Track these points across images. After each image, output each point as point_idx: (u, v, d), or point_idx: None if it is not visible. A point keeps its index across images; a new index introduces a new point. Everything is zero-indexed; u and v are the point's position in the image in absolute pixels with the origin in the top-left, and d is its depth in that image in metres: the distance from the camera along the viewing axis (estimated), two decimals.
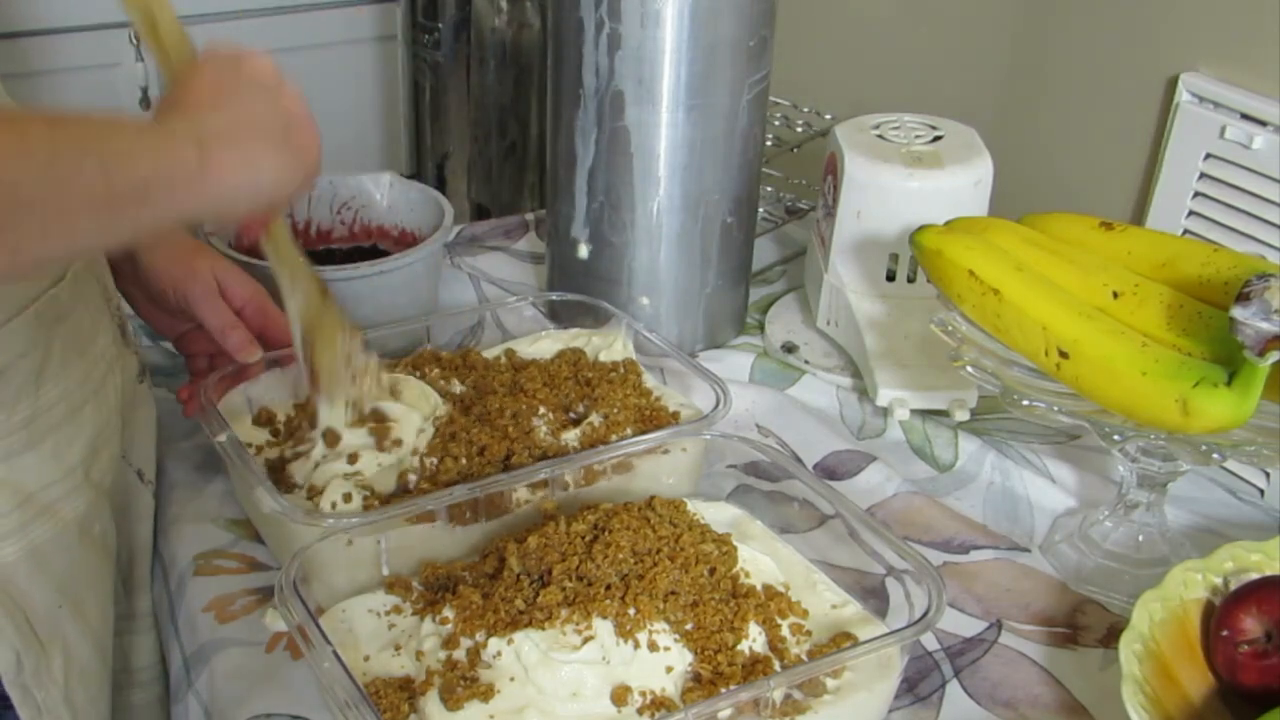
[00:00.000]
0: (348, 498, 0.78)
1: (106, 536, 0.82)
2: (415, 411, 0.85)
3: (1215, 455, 0.77)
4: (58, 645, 0.76)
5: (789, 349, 1.10)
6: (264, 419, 0.89)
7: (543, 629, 0.66)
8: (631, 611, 0.67)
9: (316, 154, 0.69)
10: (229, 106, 0.65)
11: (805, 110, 1.33)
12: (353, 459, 0.81)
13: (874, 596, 0.75)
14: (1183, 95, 1.05)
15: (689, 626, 0.68)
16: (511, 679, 0.65)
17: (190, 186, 0.60)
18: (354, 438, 0.82)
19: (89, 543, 0.79)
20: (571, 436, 0.85)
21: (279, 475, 0.82)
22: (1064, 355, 0.77)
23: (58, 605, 0.76)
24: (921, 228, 0.88)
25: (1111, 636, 0.81)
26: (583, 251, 1.06)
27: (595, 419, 0.86)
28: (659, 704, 0.65)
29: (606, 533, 0.72)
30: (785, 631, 0.71)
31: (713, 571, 0.72)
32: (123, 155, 0.57)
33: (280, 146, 0.66)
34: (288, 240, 0.80)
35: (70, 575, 0.77)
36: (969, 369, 0.85)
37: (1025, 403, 0.82)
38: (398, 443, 0.82)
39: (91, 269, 0.82)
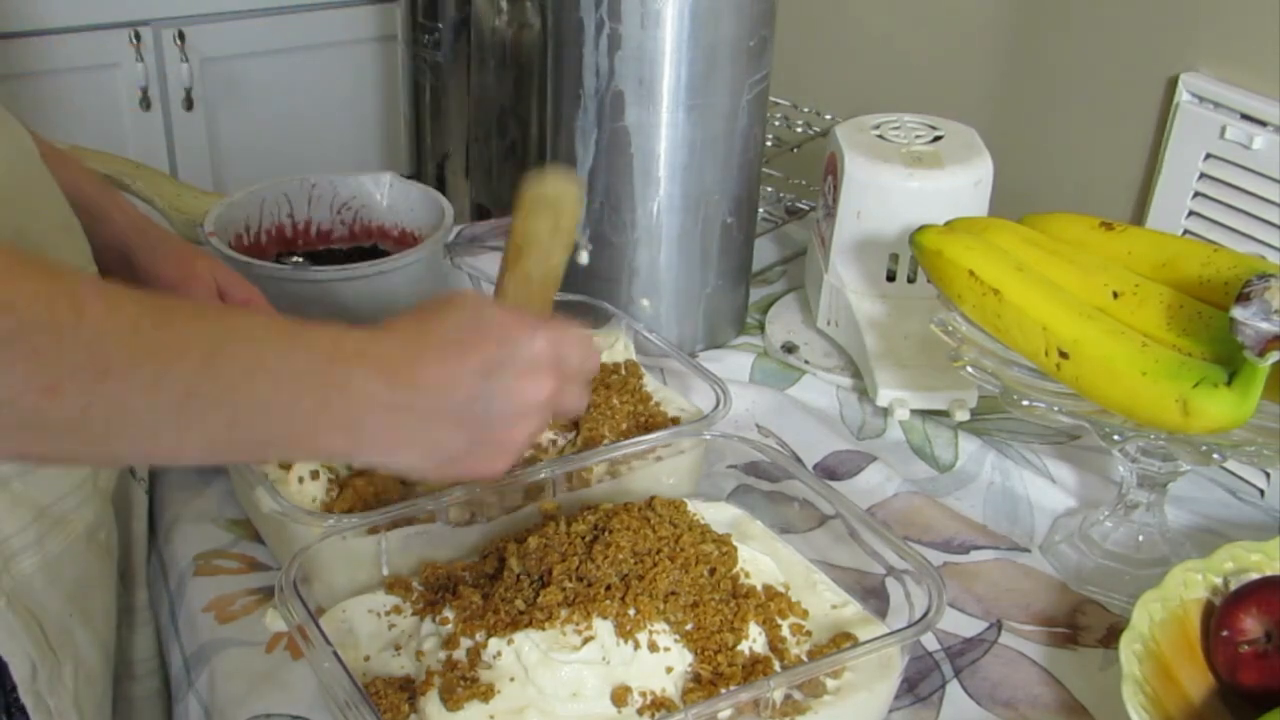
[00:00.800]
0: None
1: (111, 541, 0.83)
2: None
3: (1215, 455, 0.77)
4: (68, 652, 0.76)
5: (789, 349, 1.10)
6: None
7: (543, 629, 0.66)
8: (632, 612, 0.67)
9: (490, 474, 0.62)
10: (433, 402, 0.57)
11: (805, 110, 1.34)
12: None
13: (874, 597, 0.75)
14: (1183, 95, 1.05)
15: (689, 627, 0.68)
16: (512, 679, 0.65)
17: (318, 453, 0.58)
18: None
19: (96, 550, 0.80)
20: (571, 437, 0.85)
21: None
22: (1064, 355, 0.77)
23: (68, 614, 0.77)
24: (921, 228, 0.88)
25: (1111, 636, 0.81)
26: (583, 258, 1.06)
27: (593, 424, 0.85)
28: (659, 704, 0.65)
29: (606, 533, 0.72)
30: (785, 632, 0.71)
31: (713, 572, 0.72)
32: (258, 410, 0.52)
33: (444, 463, 0.60)
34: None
35: (80, 583, 0.78)
36: (969, 369, 0.85)
37: (1025, 403, 0.82)
38: None
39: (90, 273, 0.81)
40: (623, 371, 0.92)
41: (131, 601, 0.88)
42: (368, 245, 1.11)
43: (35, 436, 0.49)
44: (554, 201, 0.67)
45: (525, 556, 0.71)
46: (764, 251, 1.25)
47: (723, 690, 0.64)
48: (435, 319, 0.59)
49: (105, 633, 0.81)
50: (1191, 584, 0.75)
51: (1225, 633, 0.71)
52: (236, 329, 0.53)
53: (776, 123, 1.32)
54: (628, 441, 0.83)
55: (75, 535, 0.77)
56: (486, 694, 0.64)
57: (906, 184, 1.00)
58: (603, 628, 0.66)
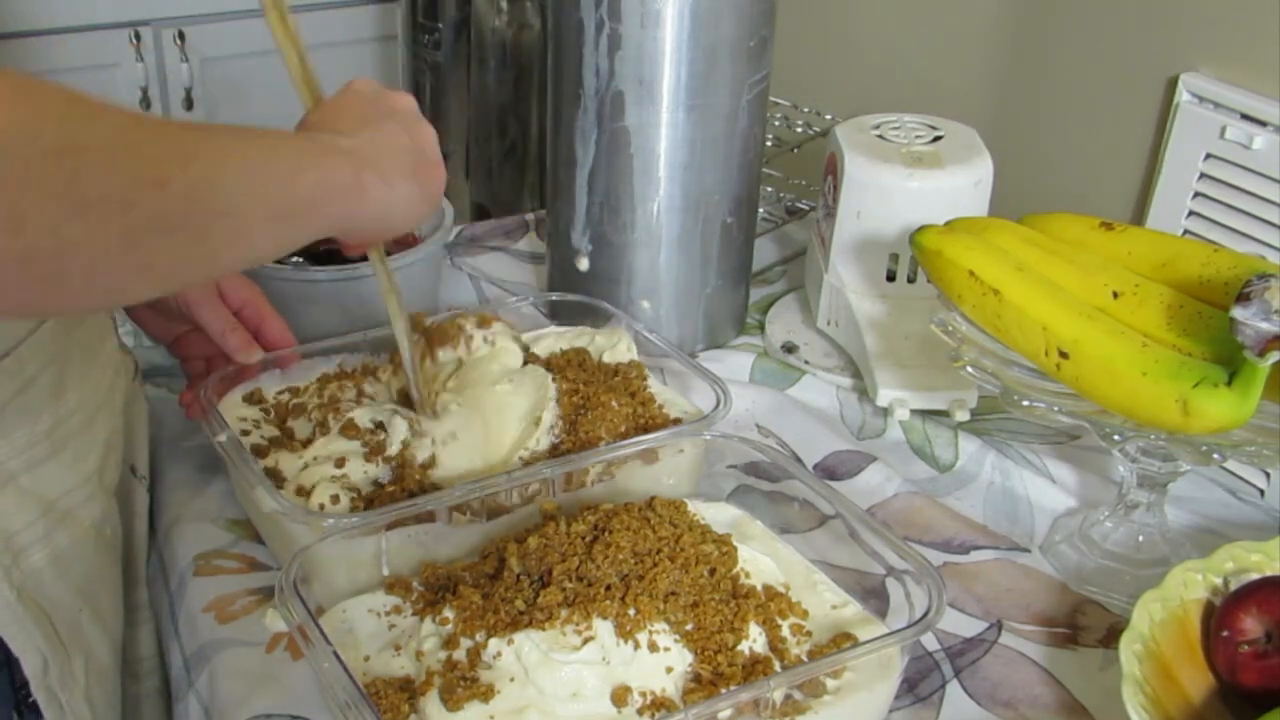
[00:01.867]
0: (335, 499, 0.78)
1: (116, 537, 0.83)
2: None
3: (1215, 455, 0.77)
4: (79, 647, 0.77)
5: (789, 349, 1.10)
6: (256, 398, 0.90)
7: (543, 629, 0.66)
8: (632, 612, 0.67)
9: (439, 189, 0.72)
10: (369, 130, 0.68)
11: (805, 110, 1.34)
12: (340, 463, 0.81)
13: (874, 597, 0.75)
14: (1183, 95, 1.05)
15: (689, 627, 0.68)
16: (512, 679, 0.65)
17: (348, 199, 0.63)
18: (342, 444, 0.82)
19: (103, 545, 0.80)
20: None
21: (266, 461, 0.83)
22: (1064, 355, 0.77)
23: (78, 608, 0.77)
24: (921, 228, 0.88)
25: (1112, 637, 0.81)
26: (583, 264, 1.06)
27: (590, 427, 0.86)
28: (659, 704, 0.65)
29: (607, 533, 0.72)
30: (785, 632, 0.71)
31: (713, 572, 0.72)
32: (294, 167, 0.60)
33: (410, 176, 0.69)
34: (386, 264, 0.82)
35: (88, 578, 0.78)
36: (969, 369, 0.85)
37: (1025, 403, 0.82)
38: (388, 459, 0.82)
39: None
40: (626, 373, 0.91)
41: (133, 600, 0.88)
42: None
43: (154, 240, 0.51)
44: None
45: (525, 556, 0.71)
46: (764, 251, 1.25)
47: (723, 690, 0.64)
48: (309, 116, 0.72)
49: (114, 628, 0.82)
50: (1191, 584, 0.75)
51: (1225, 633, 0.71)
52: (232, 127, 0.59)
53: (776, 123, 1.32)
54: (628, 441, 0.83)
55: (83, 530, 0.77)
56: (486, 694, 0.64)
57: (906, 184, 1.00)
58: (603, 628, 0.66)
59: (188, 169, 0.52)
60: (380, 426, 0.83)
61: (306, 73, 0.75)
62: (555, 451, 0.84)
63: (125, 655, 0.88)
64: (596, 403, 0.86)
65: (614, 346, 0.95)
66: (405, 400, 0.87)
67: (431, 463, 0.81)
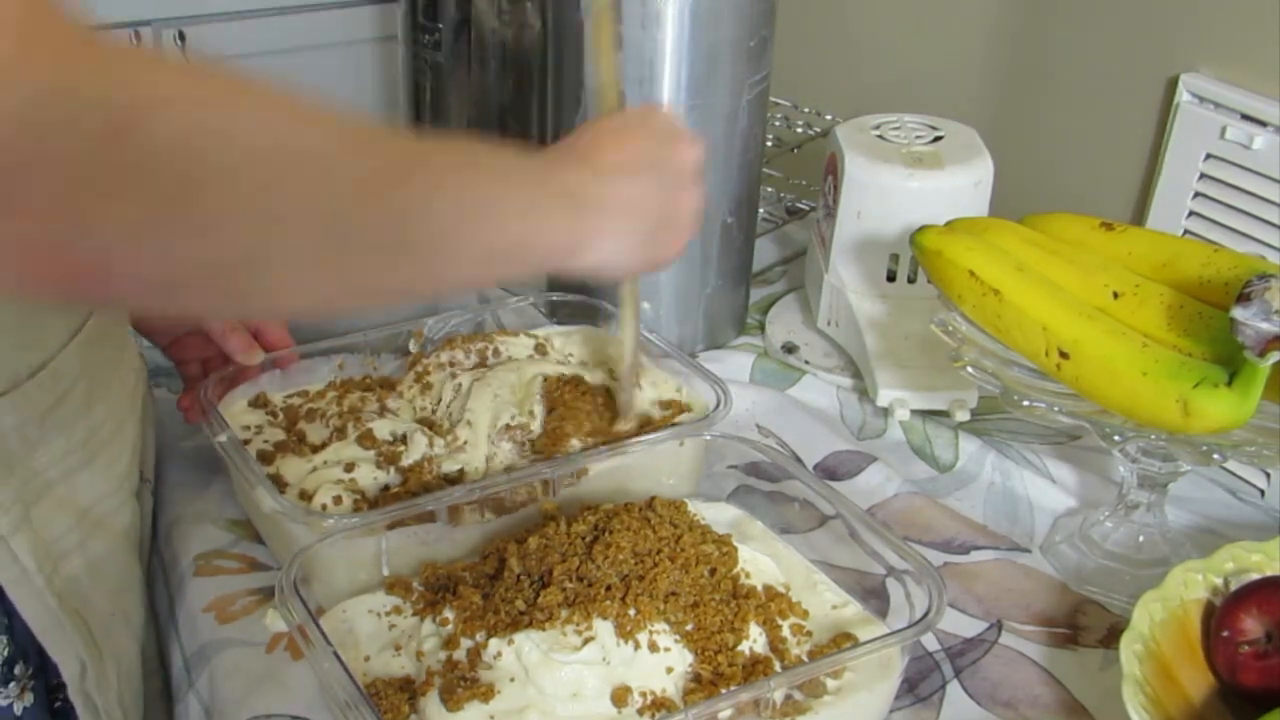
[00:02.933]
0: (338, 500, 0.78)
1: (143, 541, 0.84)
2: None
3: (1216, 456, 0.77)
4: (111, 650, 0.77)
5: (789, 349, 1.10)
6: (261, 402, 0.90)
7: (543, 630, 0.66)
8: (632, 612, 0.67)
9: (671, 260, 0.69)
10: (625, 180, 0.64)
11: (805, 111, 1.34)
12: (349, 468, 0.81)
13: (874, 597, 0.75)
14: (1183, 96, 1.05)
15: (689, 627, 0.68)
16: (512, 680, 0.65)
17: (561, 258, 0.61)
18: (355, 450, 0.83)
19: (132, 550, 0.81)
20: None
21: (270, 467, 0.83)
22: (1064, 355, 0.77)
23: (110, 613, 0.78)
24: (922, 228, 0.88)
25: (1112, 637, 0.81)
26: None
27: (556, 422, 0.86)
28: (659, 705, 0.65)
29: (607, 533, 0.72)
30: (786, 632, 0.71)
31: (713, 572, 0.72)
32: (510, 214, 0.56)
33: (643, 240, 0.65)
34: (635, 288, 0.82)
35: (120, 582, 0.79)
36: (969, 369, 0.85)
37: (1025, 403, 0.82)
38: (400, 468, 0.82)
39: None
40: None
41: None
42: None
43: (351, 259, 0.49)
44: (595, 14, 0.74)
45: (525, 557, 0.71)
46: (764, 252, 1.25)
47: (723, 690, 0.64)
48: (583, 130, 0.66)
49: (141, 631, 0.83)
50: (1192, 584, 0.75)
51: (1225, 633, 0.71)
52: (457, 145, 0.56)
53: (776, 123, 1.32)
54: (628, 441, 0.83)
55: (115, 535, 0.78)
56: (487, 694, 0.64)
57: (907, 184, 1.00)
58: (603, 628, 0.66)
59: (397, 193, 0.49)
60: (400, 439, 0.83)
61: (613, 77, 0.72)
62: (533, 444, 0.84)
63: None
64: (567, 400, 0.86)
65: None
66: (426, 421, 0.87)
67: (460, 477, 0.81)
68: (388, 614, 0.73)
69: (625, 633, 0.66)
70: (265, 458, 0.83)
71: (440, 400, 0.87)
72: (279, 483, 0.81)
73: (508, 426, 0.83)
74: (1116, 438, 0.82)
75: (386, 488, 0.80)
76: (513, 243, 0.57)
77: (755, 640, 0.69)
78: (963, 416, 0.99)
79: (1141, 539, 0.86)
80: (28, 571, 0.70)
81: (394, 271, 0.52)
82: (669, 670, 0.66)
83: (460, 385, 0.88)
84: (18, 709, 0.72)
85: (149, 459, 0.90)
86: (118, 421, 0.79)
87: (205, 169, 0.42)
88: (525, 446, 0.84)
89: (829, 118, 1.30)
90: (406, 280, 0.53)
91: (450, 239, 0.53)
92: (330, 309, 0.55)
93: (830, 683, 0.68)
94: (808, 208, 1.32)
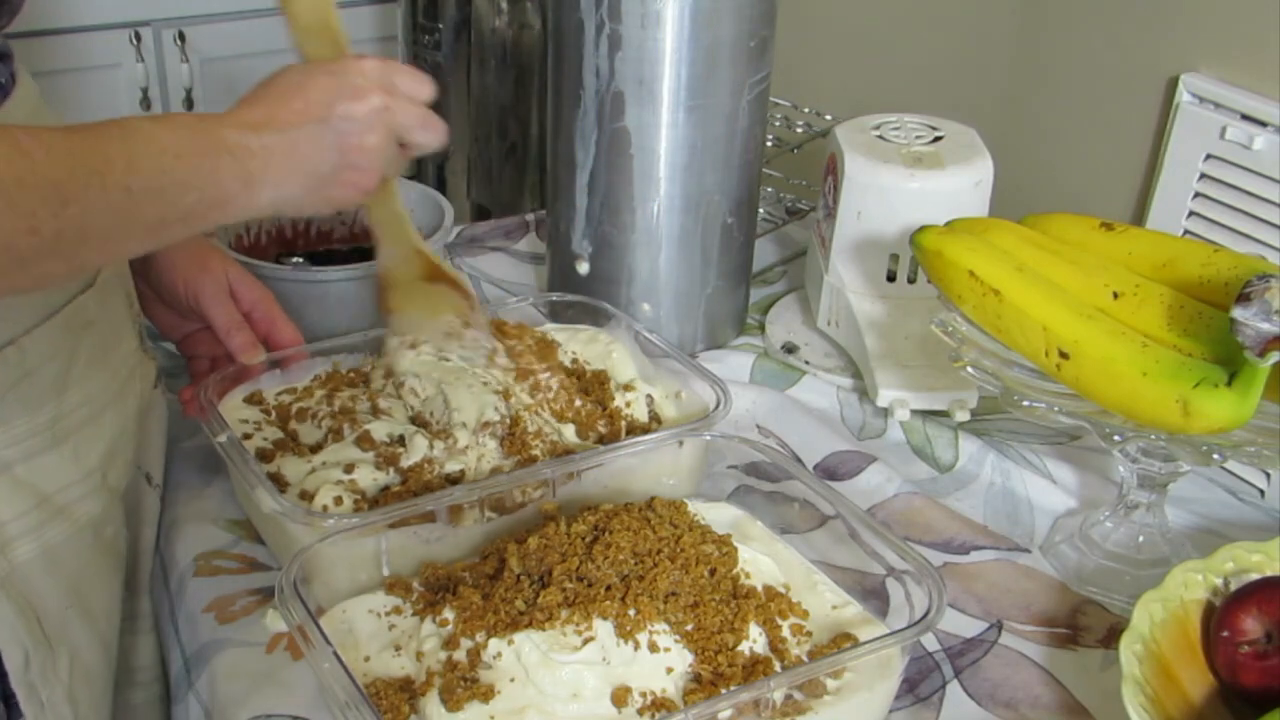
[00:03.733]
0: (339, 501, 0.78)
1: (118, 540, 0.83)
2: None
3: (1216, 456, 0.77)
4: (64, 645, 0.76)
5: (789, 349, 1.10)
6: (256, 399, 0.90)
7: (543, 630, 0.66)
8: (632, 612, 0.67)
9: (353, 200, 0.74)
10: (292, 133, 0.69)
11: (805, 111, 1.34)
12: (349, 469, 0.81)
13: (874, 597, 0.75)
14: (1183, 96, 1.05)
15: (689, 627, 0.68)
16: (512, 680, 0.65)
17: (232, 206, 0.66)
18: (354, 452, 0.82)
19: (101, 545, 0.80)
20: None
21: (270, 466, 0.83)
22: (1064, 356, 0.77)
23: (67, 606, 0.77)
24: (922, 228, 0.88)
25: (1112, 637, 0.81)
26: (583, 268, 1.06)
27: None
28: (659, 705, 0.65)
29: (607, 534, 0.72)
30: (786, 632, 0.71)
31: (713, 572, 0.72)
32: (178, 186, 0.63)
33: (316, 185, 0.71)
34: (391, 210, 0.86)
35: (81, 577, 0.78)
36: (969, 370, 0.85)
37: (1026, 403, 0.82)
38: (400, 469, 0.82)
39: (119, 278, 0.83)
40: (599, 377, 0.92)
41: (136, 608, 0.88)
42: (368, 245, 1.10)
43: (22, 272, 0.58)
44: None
45: (525, 557, 0.71)
46: (764, 252, 1.25)
47: (723, 690, 0.64)
48: (274, 80, 0.72)
49: (107, 632, 0.81)
50: (1192, 584, 0.75)
51: (1226, 633, 0.71)
52: (135, 129, 0.62)
53: (777, 123, 1.32)
54: (628, 441, 0.83)
55: (79, 528, 0.77)
56: (487, 694, 0.64)
57: (907, 184, 1.00)
58: (603, 628, 0.66)
59: (61, 213, 0.57)
60: (398, 441, 0.83)
61: (324, 18, 0.78)
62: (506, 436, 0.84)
63: (126, 663, 0.88)
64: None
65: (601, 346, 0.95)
66: (420, 420, 0.87)
67: (461, 477, 0.81)
68: (388, 614, 0.73)
69: (625, 633, 0.66)
70: (265, 455, 0.83)
71: (418, 395, 0.87)
72: (279, 482, 0.81)
73: (487, 423, 0.83)
74: (1116, 438, 0.82)
75: (386, 488, 0.80)
76: (185, 210, 0.64)
77: (755, 640, 0.69)
78: (963, 417, 0.99)
79: (1141, 539, 0.86)
80: None
81: (79, 264, 0.62)
82: (669, 670, 0.66)
83: (435, 381, 0.87)
84: None
85: (156, 461, 0.90)
86: (94, 411, 0.78)
87: None
88: (502, 440, 0.84)
89: (829, 118, 1.30)
90: (90, 266, 0.66)
91: (125, 222, 0.61)
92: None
93: (830, 683, 0.68)
94: (808, 208, 1.32)
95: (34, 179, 0.56)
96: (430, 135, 0.75)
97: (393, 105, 0.73)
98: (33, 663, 0.73)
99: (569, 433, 0.86)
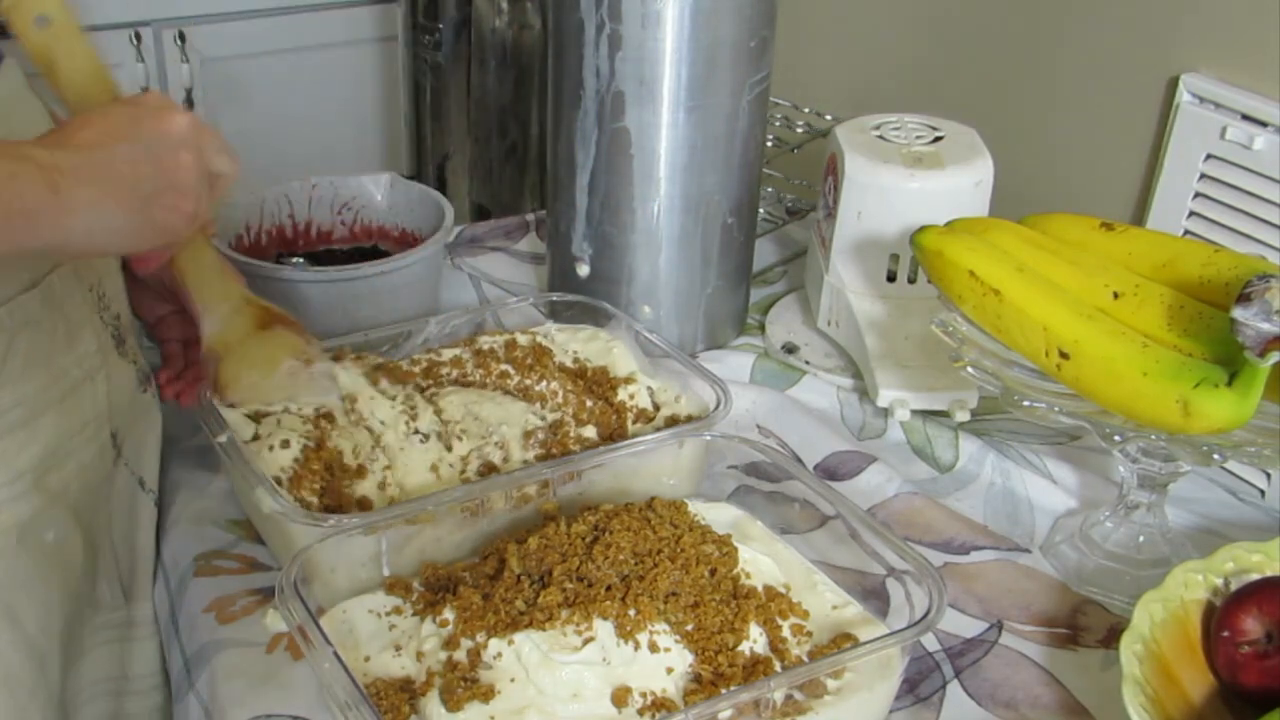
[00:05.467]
0: (285, 444, 0.78)
1: (63, 546, 0.80)
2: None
3: (1216, 456, 0.77)
4: None
5: (789, 350, 1.10)
6: None
7: (543, 630, 0.66)
8: (632, 612, 0.67)
9: (181, 225, 0.71)
10: (102, 151, 0.66)
11: (805, 111, 1.34)
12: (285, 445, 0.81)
13: (875, 597, 0.75)
14: (1183, 96, 1.05)
15: (690, 627, 0.68)
16: (512, 680, 0.65)
17: (42, 219, 0.63)
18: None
19: (32, 550, 0.77)
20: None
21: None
22: (1065, 356, 0.77)
23: None
24: (922, 228, 0.88)
25: (1112, 637, 0.81)
26: (583, 270, 1.06)
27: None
28: (660, 705, 0.65)
29: (607, 534, 0.72)
30: (786, 632, 0.71)
31: (713, 572, 0.72)
32: None
33: (139, 206, 0.67)
34: (208, 265, 0.82)
35: (3, 581, 0.76)
36: (970, 370, 0.85)
37: (1026, 403, 0.82)
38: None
39: (80, 278, 0.80)
40: (597, 376, 0.93)
41: (134, 615, 0.87)
42: (368, 246, 1.11)
43: None
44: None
45: (525, 557, 0.71)
46: (764, 252, 1.25)
47: (723, 691, 0.64)
48: (70, 119, 0.71)
49: (40, 640, 0.78)
50: (1192, 584, 0.75)
51: (1226, 633, 0.71)
52: None
53: (777, 123, 1.32)
54: (628, 441, 0.83)
55: (1, 529, 0.75)
56: (487, 695, 0.64)
57: (907, 184, 1.00)
58: (603, 628, 0.66)
59: None
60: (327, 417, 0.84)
61: (59, 85, 0.74)
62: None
63: (125, 671, 0.86)
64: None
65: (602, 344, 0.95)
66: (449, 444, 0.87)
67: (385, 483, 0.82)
68: (388, 614, 0.73)
69: (625, 633, 0.66)
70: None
71: (441, 413, 0.87)
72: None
73: (530, 432, 0.84)
74: (1117, 438, 0.82)
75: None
76: (13, 223, 0.61)
77: (755, 640, 0.69)
78: (963, 417, 0.99)
79: (1142, 539, 0.86)
80: None
81: None
82: (669, 670, 0.66)
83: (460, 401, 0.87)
84: None
85: (150, 467, 0.89)
86: (29, 414, 0.75)
87: None
88: (551, 447, 0.85)
89: (829, 118, 1.30)
90: None
91: None
92: None
93: (830, 683, 0.68)
94: (808, 208, 1.32)
95: None
96: (229, 160, 0.73)
97: (196, 125, 0.71)
98: None
99: (590, 433, 0.86)
